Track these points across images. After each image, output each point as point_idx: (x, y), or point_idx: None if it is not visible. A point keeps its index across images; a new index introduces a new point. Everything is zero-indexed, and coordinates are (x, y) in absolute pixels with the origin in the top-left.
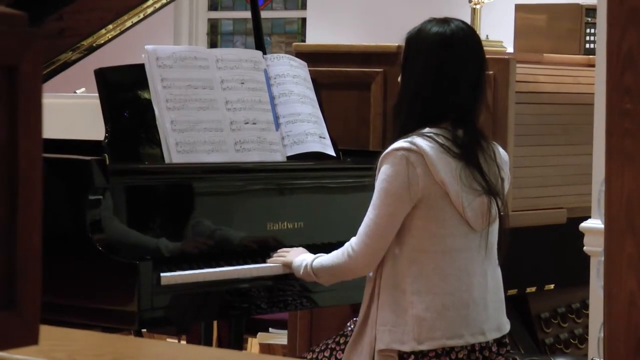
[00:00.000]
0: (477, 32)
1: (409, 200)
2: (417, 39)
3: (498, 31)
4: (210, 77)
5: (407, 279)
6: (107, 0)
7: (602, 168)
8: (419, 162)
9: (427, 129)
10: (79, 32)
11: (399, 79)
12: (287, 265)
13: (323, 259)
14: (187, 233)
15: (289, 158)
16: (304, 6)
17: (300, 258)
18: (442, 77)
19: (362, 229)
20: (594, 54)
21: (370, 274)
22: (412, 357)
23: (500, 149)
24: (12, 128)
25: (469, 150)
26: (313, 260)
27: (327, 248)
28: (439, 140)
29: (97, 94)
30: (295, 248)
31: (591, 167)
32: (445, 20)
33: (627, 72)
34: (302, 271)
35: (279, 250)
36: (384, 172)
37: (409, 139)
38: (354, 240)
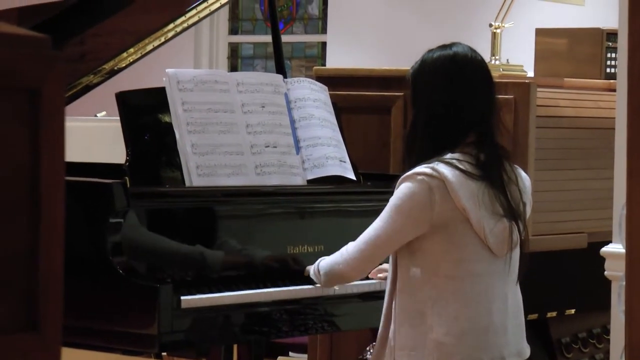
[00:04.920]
0: (498, 55)
1: (421, 223)
2: (423, 68)
3: (519, 55)
4: (231, 101)
5: (427, 303)
6: (128, 24)
7: (624, 192)
8: (438, 188)
9: (449, 155)
10: (100, 55)
11: (410, 124)
12: (307, 273)
13: (325, 260)
14: (207, 256)
15: (310, 181)
16: (324, 30)
17: (313, 264)
18: (454, 96)
19: (361, 237)
20: (614, 79)
21: (386, 297)
22: None
23: (523, 173)
24: (34, 150)
25: (492, 170)
26: (320, 262)
27: None
28: (461, 167)
29: (118, 117)
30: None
31: (612, 192)
32: (446, 45)
33: None
34: (311, 272)
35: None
36: (400, 191)
37: (430, 164)
38: (350, 247)
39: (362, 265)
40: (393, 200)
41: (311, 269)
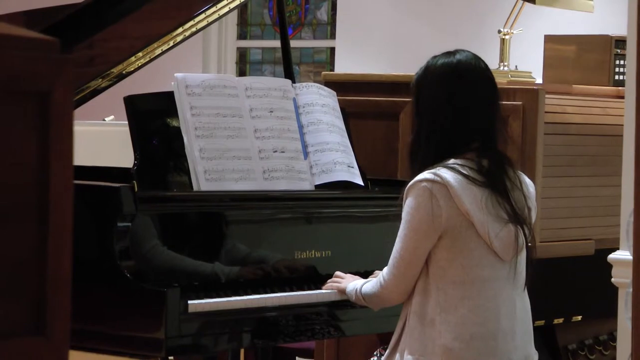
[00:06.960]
0: (507, 62)
1: (432, 233)
2: (426, 75)
3: (527, 62)
4: (239, 106)
5: (435, 308)
6: (136, 28)
7: (631, 199)
8: (442, 193)
9: (452, 160)
10: (109, 59)
11: (414, 131)
12: (342, 291)
13: (366, 285)
14: (214, 261)
15: (317, 187)
16: (332, 36)
17: (352, 284)
18: (456, 103)
19: (390, 260)
20: (623, 86)
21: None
22: None
23: (527, 179)
24: (43, 153)
25: (495, 177)
26: (362, 286)
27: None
28: (464, 172)
29: (126, 122)
30: (350, 275)
31: (619, 199)
32: (451, 52)
33: None
34: (354, 297)
35: (334, 275)
36: (408, 205)
37: (433, 170)
38: (385, 270)
39: (400, 287)
40: (404, 216)
41: (353, 294)
